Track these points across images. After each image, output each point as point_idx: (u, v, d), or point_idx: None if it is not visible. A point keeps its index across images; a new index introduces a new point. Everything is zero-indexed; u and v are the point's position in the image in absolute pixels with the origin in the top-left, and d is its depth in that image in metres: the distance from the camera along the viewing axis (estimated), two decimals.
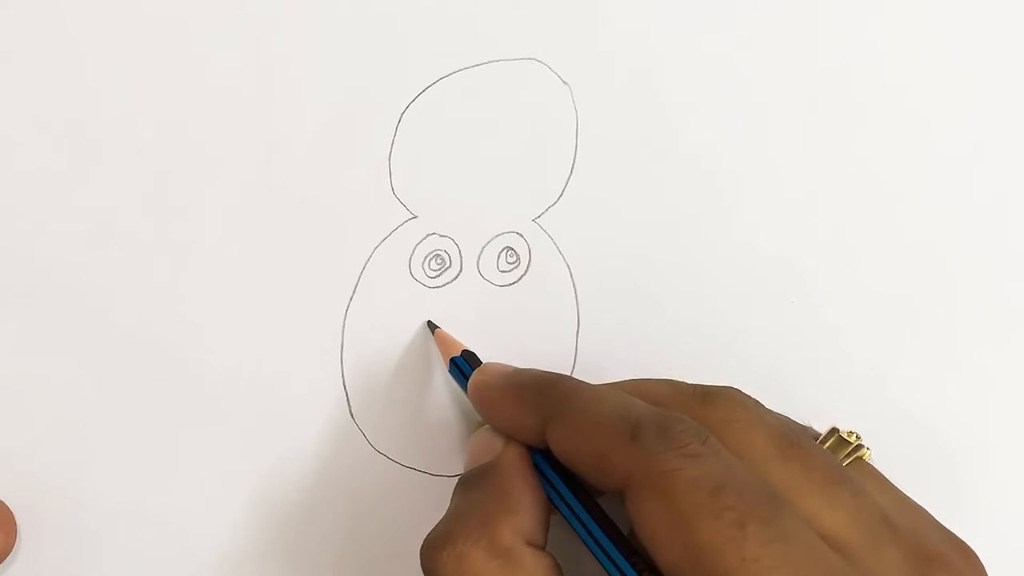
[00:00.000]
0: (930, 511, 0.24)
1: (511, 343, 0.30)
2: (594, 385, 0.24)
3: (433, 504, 0.29)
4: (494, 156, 0.29)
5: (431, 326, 0.29)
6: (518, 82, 0.29)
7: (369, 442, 0.28)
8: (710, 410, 0.23)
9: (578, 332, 0.30)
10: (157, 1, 0.26)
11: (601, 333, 0.30)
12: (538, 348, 0.30)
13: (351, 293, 0.28)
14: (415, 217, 0.28)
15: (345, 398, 0.28)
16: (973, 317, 0.33)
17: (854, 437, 0.25)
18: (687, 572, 0.20)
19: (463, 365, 0.27)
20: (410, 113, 0.28)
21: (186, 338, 0.27)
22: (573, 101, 0.29)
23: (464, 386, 0.27)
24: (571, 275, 0.30)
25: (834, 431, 0.26)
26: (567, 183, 0.30)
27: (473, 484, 0.24)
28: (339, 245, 0.28)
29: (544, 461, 0.24)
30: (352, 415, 0.28)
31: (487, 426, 0.26)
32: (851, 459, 0.25)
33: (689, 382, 0.25)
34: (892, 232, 0.32)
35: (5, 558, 0.26)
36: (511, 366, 0.26)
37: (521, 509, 0.23)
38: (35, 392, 0.26)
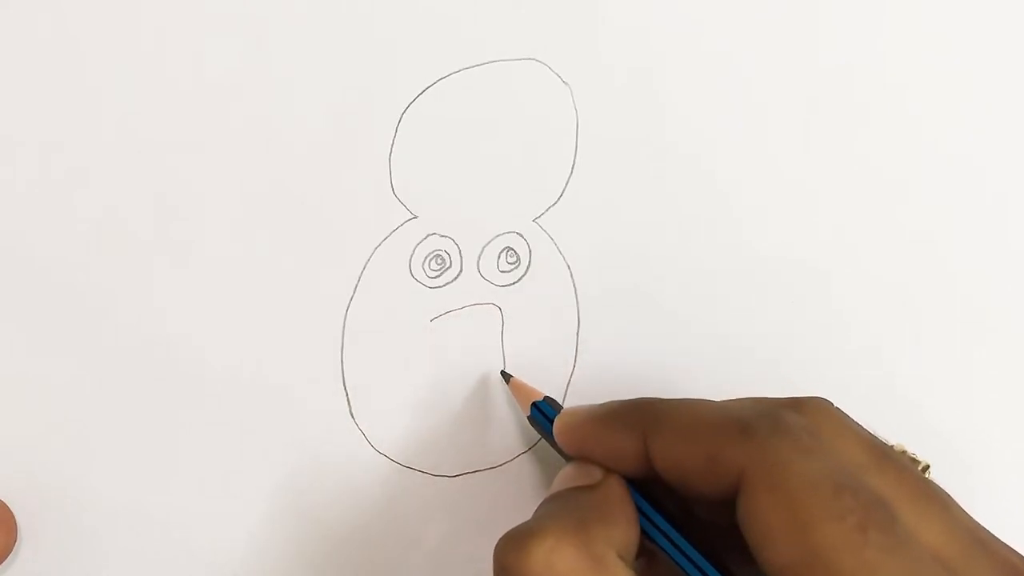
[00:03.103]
0: None
1: (511, 343, 0.30)
2: (684, 398, 0.24)
3: (433, 504, 0.29)
4: (494, 156, 0.29)
5: (505, 376, 0.29)
6: (518, 82, 0.29)
7: (369, 442, 0.28)
8: (802, 417, 0.22)
9: (578, 332, 0.30)
10: (157, 1, 0.26)
11: (601, 333, 0.30)
12: (538, 348, 0.30)
13: (351, 293, 0.28)
14: (415, 217, 0.28)
15: (345, 398, 0.28)
16: (977, 317, 0.33)
17: (918, 457, 0.25)
18: (801, 572, 0.19)
19: (546, 409, 0.27)
20: (410, 113, 0.28)
21: (186, 338, 0.27)
22: (573, 101, 0.29)
23: (548, 430, 0.26)
24: (571, 275, 0.30)
25: (903, 452, 0.25)
26: (567, 183, 0.30)
27: (567, 496, 0.24)
28: (339, 245, 0.28)
29: (642, 495, 0.24)
30: (352, 415, 0.28)
31: (580, 461, 0.25)
32: None
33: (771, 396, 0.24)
34: (892, 232, 0.32)
35: (5, 558, 0.26)
36: (592, 404, 0.26)
37: (617, 523, 0.23)
38: (35, 392, 0.26)
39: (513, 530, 0.22)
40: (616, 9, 0.29)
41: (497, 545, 0.22)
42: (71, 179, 0.26)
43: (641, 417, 0.24)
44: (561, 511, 0.23)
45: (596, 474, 0.24)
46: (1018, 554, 0.23)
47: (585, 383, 0.30)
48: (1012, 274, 0.33)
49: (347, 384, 0.28)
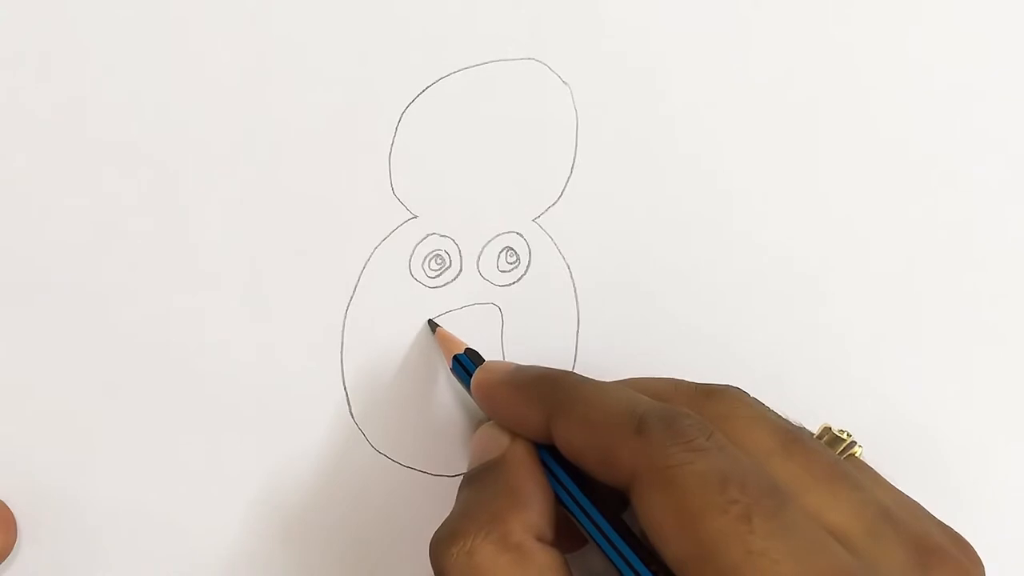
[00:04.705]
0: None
1: (511, 343, 0.30)
2: (597, 380, 0.25)
3: (434, 504, 0.29)
4: (494, 156, 0.29)
5: (432, 325, 0.29)
6: (518, 82, 0.29)
7: (370, 442, 0.29)
8: (712, 406, 0.23)
9: (578, 332, 0.30)
10: (157, 1, 0.26)
11: (601, 333, 0.30)
12: (538, 348, 0.30)
13: (351, 293, 0.28)
14: (415, 217, 0.28)
15: (345, 399, 0.28)
16: (973, 317, 0.33)
17: (845, 435, 0.26)
18: (694, 566, 0.20)
19: (466, 363, 0.27)
20: (410, 113, 0.28)
21: (186, 338, 0.27)
22: (573, 101, 0.29)
23: (467, 384, 0.27)
24: (571, 275, 0.30)
25: (827, 429, 0.26)
26: (567, 183, 0.30)
27: (480, 480, 0.24)
28: (339, 245, 0.28)
29: (551, 457, 0.24)
30: (352, 415, 0.28)
31: (491, 422, 0.26)
32: (844, 456, 0.25)
33: (690, 380, 0.25)
34: (892, 232, 0.32)
35: (5, 558, 0.26)
36: (513, 363, 0.27)
37: (530, 505, 0.23)
38: (35, 392, 0.26)
39: (438, 531, 0.23)
40: (616, 9, 0.29)
41: (429, 545, 0.23)
42: (71, 178, 0.26)
43: (550, 395, 0.24)
44: (475, 504, 0.24)
45: (504, 442, 0.25)
46: (939, 525, 0.23)
47: None
48: (1012, 274, 0.33)
49: (347, 384, 0.28)
